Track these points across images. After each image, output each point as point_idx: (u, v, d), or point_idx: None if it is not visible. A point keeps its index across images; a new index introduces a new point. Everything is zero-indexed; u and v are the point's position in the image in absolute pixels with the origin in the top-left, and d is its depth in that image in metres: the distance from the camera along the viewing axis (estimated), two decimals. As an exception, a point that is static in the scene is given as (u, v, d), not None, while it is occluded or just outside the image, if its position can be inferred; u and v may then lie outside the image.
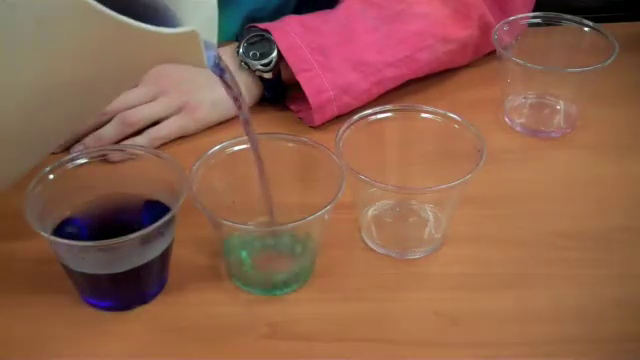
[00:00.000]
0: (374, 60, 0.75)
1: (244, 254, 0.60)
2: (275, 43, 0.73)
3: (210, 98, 0.74)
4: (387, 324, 0.56)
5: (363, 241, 0.63)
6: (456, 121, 0.62)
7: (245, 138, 0.57)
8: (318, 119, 0.73)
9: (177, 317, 0.57)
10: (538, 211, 0.66)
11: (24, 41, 0.46)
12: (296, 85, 0.74)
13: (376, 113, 0.63)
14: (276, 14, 0.80)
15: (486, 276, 0.60)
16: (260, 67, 0.74)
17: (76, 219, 0.58)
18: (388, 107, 0.64)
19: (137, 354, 0.54)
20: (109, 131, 0.70)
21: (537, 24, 0.78)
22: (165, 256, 0.57)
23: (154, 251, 0.55)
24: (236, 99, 0.54)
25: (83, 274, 0.55)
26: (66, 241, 0.53)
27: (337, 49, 0.74)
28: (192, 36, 0.47)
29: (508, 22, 0.76)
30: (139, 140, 0.70)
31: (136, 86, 0.73)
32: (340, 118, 0.74)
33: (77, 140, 0.70)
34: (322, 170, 0.59)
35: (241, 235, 0.60)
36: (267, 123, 0.75)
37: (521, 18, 0.77)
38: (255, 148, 0.56)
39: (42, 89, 0.49)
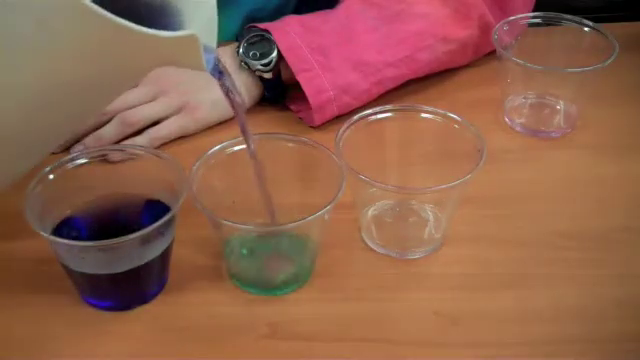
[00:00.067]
0: (374, 60, 0.75)
1: (244, 254, 0.60)
2: (275, 43, 0.73)
3: (210, 98, 0.74)
4: (387, 324, 0.56)
5: (363, 241, 0.63)
6: (456, 121, 0.62)
7: (245, 138, 0.57)
8: (318, 119, 0.73)
9: (177, 317, 0.57)
10: (538, 211, 0.66)
11: (24, 42, 0.46)
12: (296, 85, 0.74)
13: (376, 113, 0.63)
14: (276, 14, 0.80)
15: (486, 276, 0.60)
16: (260, 67, 0.74)
17: (76, 219, 0.58)
18: (388, 107, 0.64)
19: (137, 354, 0.54)
20: (109, 131, 0.70)
21: (537, 24, 0.78)
22: (165, 256, 0.57)
23: (154, 251, 0.55)
24: (233, 107, 0.55)
25: (83, 274, 0.55)
26: (66, 241, 0.53)
27: (337, 49, 0.74)
28: (192, 40, 0.47)
29: (508, 22, 0.76)
30: (139, 140, 0.70)
31: (136, 86, 0.73)
32: (340, 118, 0.74)
33: (77, 140, 0.70)
34: (322, 170, 0.59)
35: (241, 235, 0.60)
36: (267, 123, 0.75)
37: (521, 18, 0.78)
38: (253, 155, 0.56)
39: (42, 89, 0.49)
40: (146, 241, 0.54)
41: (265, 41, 0.74)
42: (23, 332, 0.56)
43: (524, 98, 0.78)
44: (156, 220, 0.52)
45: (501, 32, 0.75)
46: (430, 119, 0.63)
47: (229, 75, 0.54)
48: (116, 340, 0.55)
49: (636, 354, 0.54)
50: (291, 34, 0.74)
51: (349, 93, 0.74)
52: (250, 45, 0.74)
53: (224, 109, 0.74)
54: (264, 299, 0.58)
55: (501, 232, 0.64)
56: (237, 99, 0.54)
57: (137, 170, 0.60)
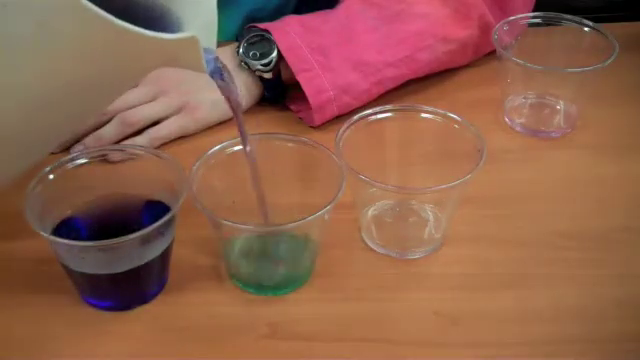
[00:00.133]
0: (374, 60, 0.75)
1: (244, 254, 0.60)
2: (275, 43, 0.73)
3: (210, 98, 0.74)
4: (387, 324, 0.56)
5: (363, 241, 0.63)
6: (456, 121, 0.62)
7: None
8: (318, 119, 0.73)
9: (177, 317, 0.57)
10: (538, 211, 0.66)
11: (24, 43, 0.46)
12: (296, 85, 0.74)
13: (376, 113, 0.63)
14: (276, 14, 0.80)
15: (486, 276, 0.60)
16: (260, 67, 0.74)
17: (76, 219, 0.58)
18: (388, 107, 0.64)
19: (137, 354, 0.54)
20: (109, 131, 0.70)
21: (537, 24, 0.78)
22: (165, 256, 0.57)
23: (154, 251, 0.55)
24: (232, 109, 0.55)
25: (83, 274, 0.55)
26: (66, 241, 0.53)
27: (337, 49, 0.74)
28: (192, 41, 0.47)
29: (508, 22, 0.76)
30: (139, 140, 0.70)
31: (136, 86, 0.73)
32: (340, 118, 0.74)
33: (77, 140, 0.70)
34: (322, 170, 0.59)
35: (241, 235, 0.60)
36: (267, 123, 0.75)
37: (521, 18, 0.78)
38: (249, 156, 0.56)
39: (42, 90, 0.49)
40: (146, 241, 0.54)
41: (265, 41, 0.74)
42: (23, 332, 0.56)
43: (524, 98, 0.78)
44: (156, 220, 0.52)
45: (501, 32, 0.75)
46: (430, 119, 0.63)
47: (229, 73, 0.54)
48: (116, 340, 0.55)
49: (636, 354, 0.54)
50: (291, 34, 0.74)
51: (349, 93, 0.74)
52: (250, 45, 0.74)
53: (224, 109, 0.74)
54: (264, 299, 0.58)
55: (501, 232, 0.64)
56: (237, 99, 0.54)
57: (137, 170, 0.60)
